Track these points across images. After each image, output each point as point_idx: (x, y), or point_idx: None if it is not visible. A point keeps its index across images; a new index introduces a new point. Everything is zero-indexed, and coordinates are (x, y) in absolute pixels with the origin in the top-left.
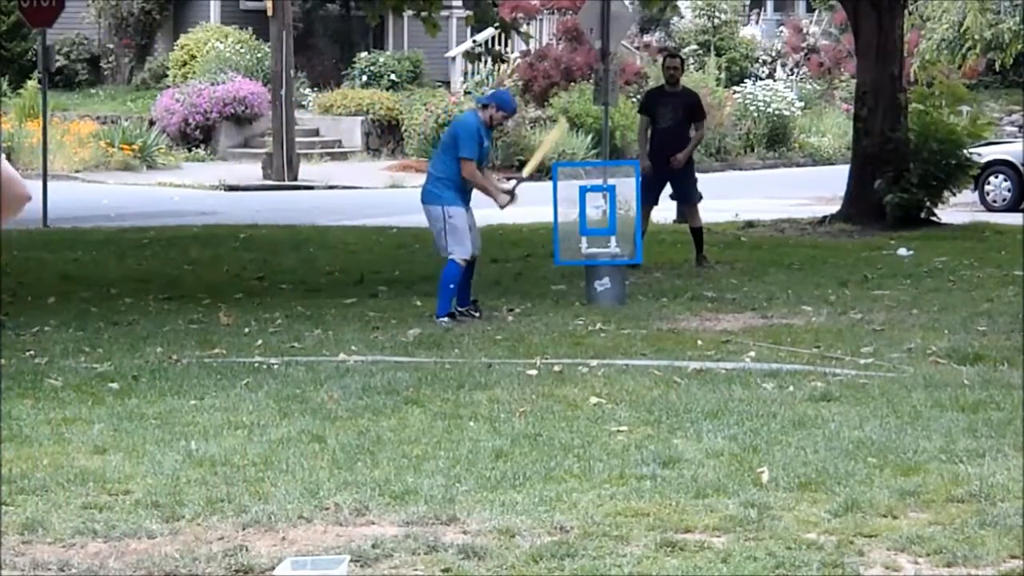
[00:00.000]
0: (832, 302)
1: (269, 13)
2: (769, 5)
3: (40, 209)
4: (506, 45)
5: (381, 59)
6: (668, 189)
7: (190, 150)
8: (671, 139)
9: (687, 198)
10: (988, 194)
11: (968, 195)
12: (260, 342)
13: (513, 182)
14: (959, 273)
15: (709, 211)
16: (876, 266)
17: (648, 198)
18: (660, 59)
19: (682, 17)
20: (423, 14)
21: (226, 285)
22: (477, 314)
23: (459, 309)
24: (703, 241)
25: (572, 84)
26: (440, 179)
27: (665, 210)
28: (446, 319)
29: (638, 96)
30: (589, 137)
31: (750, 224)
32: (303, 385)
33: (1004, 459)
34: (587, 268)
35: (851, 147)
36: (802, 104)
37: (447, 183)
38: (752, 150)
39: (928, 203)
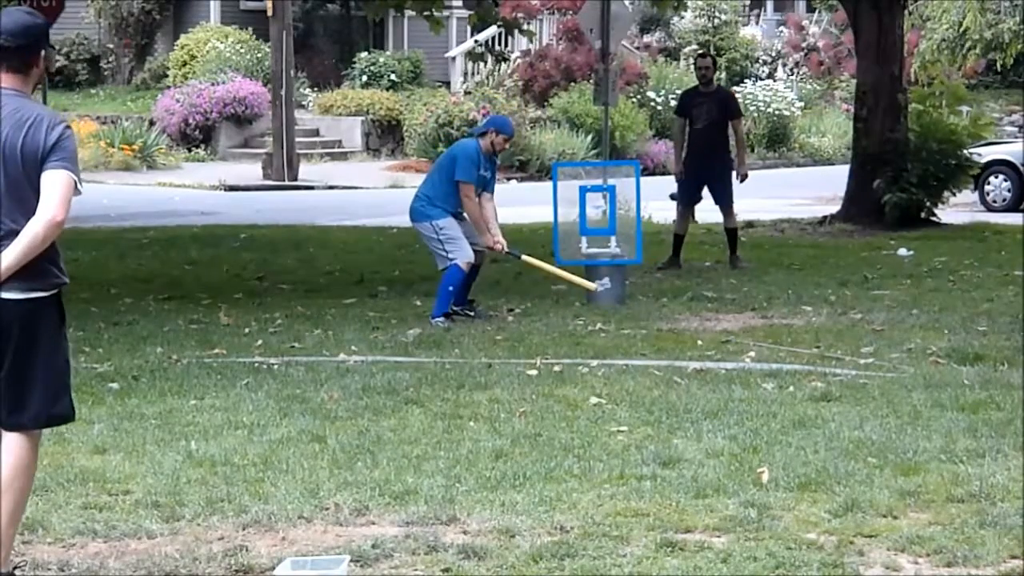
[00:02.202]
0: (832, 302)
1: (269, 13)
2: (769, 5)
3: None
4: (506, 45)
5: (381, 59)
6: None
7: (190, 150)
8: (708, 138)
9: (724, 199)
10: (988, 194)
11: (968, 195)
12: (260, 342)
13: (502, 246)
14: (959, 273)
15: (710, 211)
16: (876, 266)
17: (687, 199)
18: (660, 59)
19: (682, 17)
20: (426, 12)
21: (226, 285)
22: (472, 313)
23: (454, 308)
24: (737, 242)
25: (572, 84)
26: (427, 197)
27: (667, 210)
28: (441, 319)
29: (638, 96)
30: (589, 137)
31: (750, 224)
32: (303, 385)
33: (1004, 459)
34: (587, 268)
35: (851, 147)
36: (802, 104)
37: (434, 201)
38: (752, 150)
39: (928, 203)
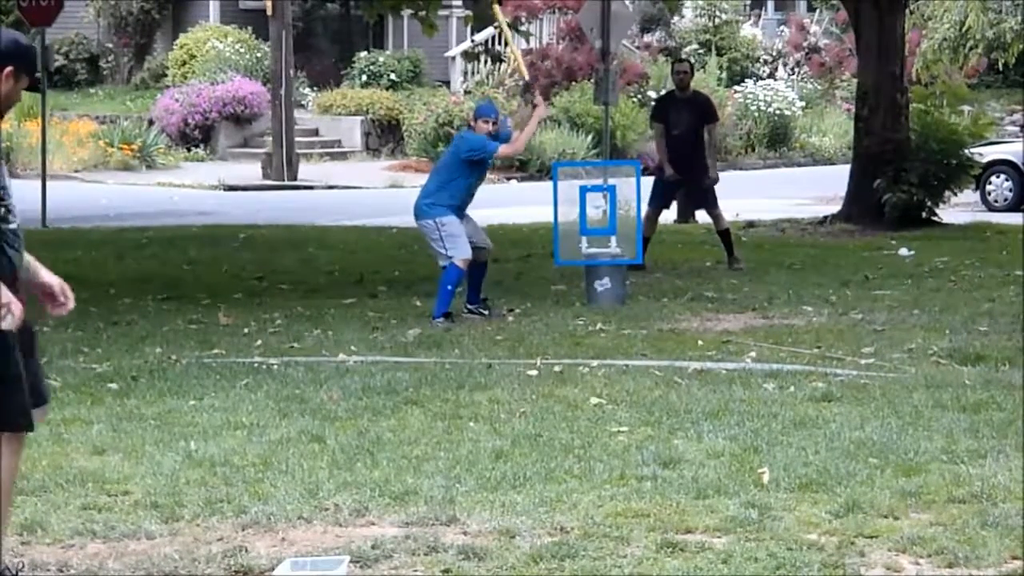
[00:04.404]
0: (833, 302)
1: (269, 13)
2: (770, 5)
3: (39, 209)
4: (506, 45)
5: (381, 59)
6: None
7: (189, 150)
8: (685, 144)
9: (706, 203)
10: (990, 194)
11: (970, 195)
12: (259, 342)
13: (541, 102)
14: (960, 273)
15: None
16: (877, 266)
17: (659, 202)
18: (660, 59)
19: (682, 17)
20: (420, 14)
21: (225, 285)
22: (486, 311)
23: (468, 307)
24: (732, 243)
25: (573, 83)
26: (432, 194)
27: (666, 210)
28: (441, 319)
29: (639, 96)
30: (589, 137)
31: (751, 224)
32: (303, 385)
33: (1006, 460)
34: (587, 268)
35: (852, 147)
36: (803, 104)
37: (438, 198)
38: (753, 150)
39: (929, 203)
